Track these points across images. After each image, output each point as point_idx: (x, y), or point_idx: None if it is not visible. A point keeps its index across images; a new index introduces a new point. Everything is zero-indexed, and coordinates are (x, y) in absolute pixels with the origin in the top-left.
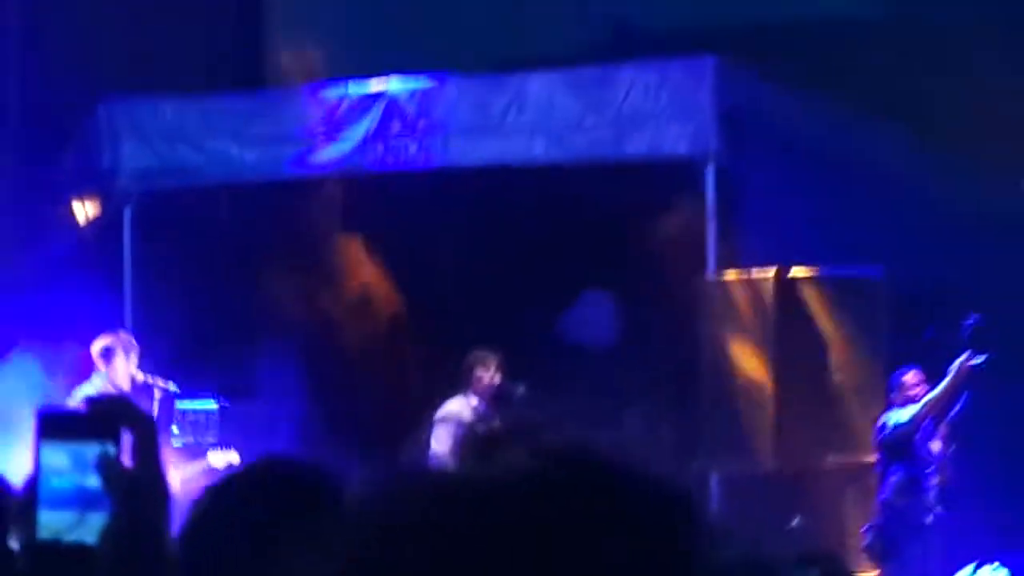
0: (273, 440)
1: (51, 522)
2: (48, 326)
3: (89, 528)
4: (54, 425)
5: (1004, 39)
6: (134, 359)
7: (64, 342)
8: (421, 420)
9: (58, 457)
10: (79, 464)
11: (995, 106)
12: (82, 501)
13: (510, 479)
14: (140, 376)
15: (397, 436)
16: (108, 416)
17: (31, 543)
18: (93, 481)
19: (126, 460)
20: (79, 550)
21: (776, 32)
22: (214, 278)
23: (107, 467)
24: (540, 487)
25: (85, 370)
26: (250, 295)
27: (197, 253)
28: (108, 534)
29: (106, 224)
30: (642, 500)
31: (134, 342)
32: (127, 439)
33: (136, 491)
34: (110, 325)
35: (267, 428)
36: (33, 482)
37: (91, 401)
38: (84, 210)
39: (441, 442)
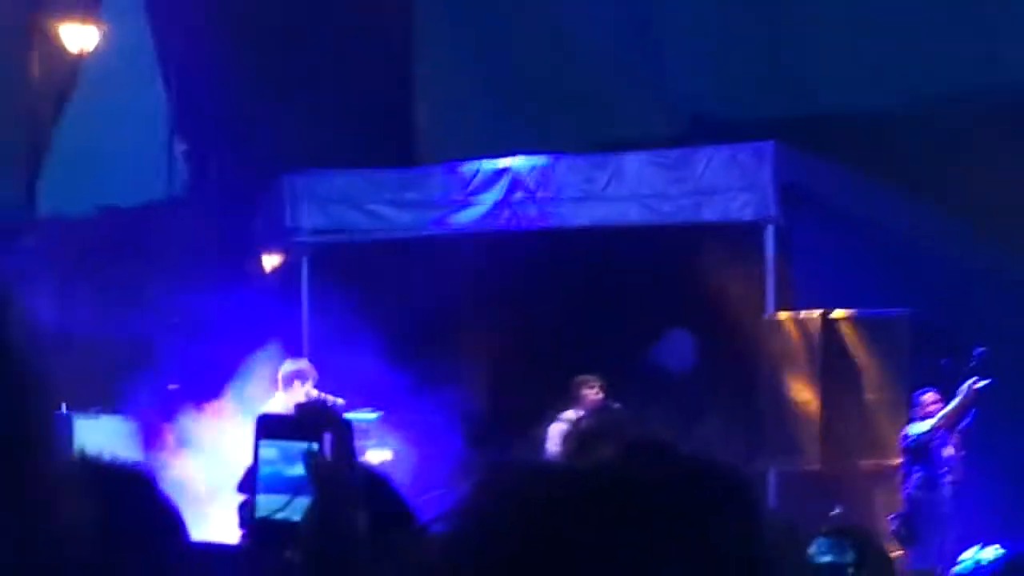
0: (419, 443)
1: (266, 504)
2: (243, 354)
3: (295, 509)
4: (269, 427)
5: (1007, 132)
6: (312, 381)
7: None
8: (538, 428)
9: (272, 452)
10: (288, 458)
11: (1000, 185)
12: (290, 487)
13: (602, 466)
14: (315, 393)
15: (519, 441)
16: (313, 420)
17: (251, 520)
18: (299, 471)
19: (327, 455)
20: (287, 526)
21: (824, 122)
22: (374, 314)
23: (311, 461)
24: (628, 473)
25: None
26: (403, 328)
27: (361, 295)
28: (311, 514)
29: (288, 272)
30: (710, 482)
31: (313, 368)
32: (328, 439)
33: (334, 480)
34: (292, 353)
35: (417, 433)
36: (253, 472)
37: (300, 407)
38: (271, 261)
39: (554, 443)
